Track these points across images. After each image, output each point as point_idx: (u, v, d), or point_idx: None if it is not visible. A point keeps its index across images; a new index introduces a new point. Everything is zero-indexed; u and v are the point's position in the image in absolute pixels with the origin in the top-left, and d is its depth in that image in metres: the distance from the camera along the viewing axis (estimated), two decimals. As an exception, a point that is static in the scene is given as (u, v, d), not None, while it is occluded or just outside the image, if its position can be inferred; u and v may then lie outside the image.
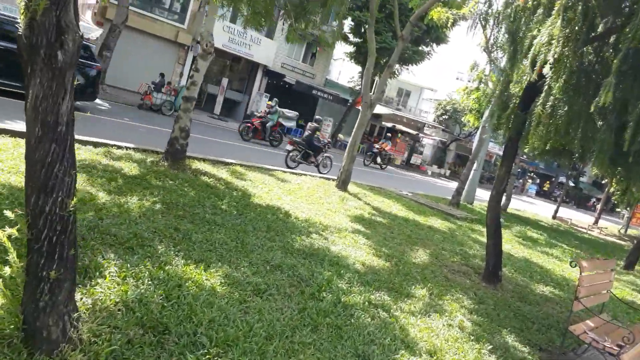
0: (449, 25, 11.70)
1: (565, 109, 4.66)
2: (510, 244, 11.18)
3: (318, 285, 4.76)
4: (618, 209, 39.53)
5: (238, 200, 7.12)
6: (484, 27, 8.48)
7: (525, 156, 51.24)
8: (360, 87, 29.83)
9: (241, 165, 10.28)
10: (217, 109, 23.27)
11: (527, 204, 31.18)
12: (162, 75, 19.35)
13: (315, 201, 9.06)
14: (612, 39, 4.83)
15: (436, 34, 26.23)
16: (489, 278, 6.99)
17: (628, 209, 25.06)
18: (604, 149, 4.37)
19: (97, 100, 14.80)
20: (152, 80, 19.18)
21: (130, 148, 8.62)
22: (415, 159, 35.30)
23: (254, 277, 4.48)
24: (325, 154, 14.47)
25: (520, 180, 52.00)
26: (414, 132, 33.45)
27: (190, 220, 5.58)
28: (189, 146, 8.80)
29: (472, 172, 16.93)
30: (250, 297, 4.07)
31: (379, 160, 26.32)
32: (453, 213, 12.62)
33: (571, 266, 3.96)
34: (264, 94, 27.33)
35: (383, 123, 34.46)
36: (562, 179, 57.48)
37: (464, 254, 8.35)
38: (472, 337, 4.78)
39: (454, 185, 29.52)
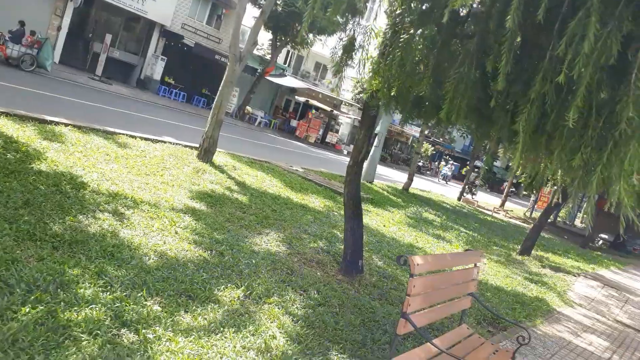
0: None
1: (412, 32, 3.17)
2: (398, 225, 9.95)
3: (32, 291, 2.97)
4: (525, 192, 40.83)
5: (5, 165, 5.10)
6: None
7: (441, 139, 51.94)
8: (270, 55, 27.86)
9: (73, 125, 8.13)
10: (99, 69, 20.35)
11: (439, 186, 31.03)
12: (21, 23, 16.27)
13: (153, 172, 7.19)
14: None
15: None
16: (346, 269, 5.54)
17: (534, 192, 25.30)
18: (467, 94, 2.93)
19: None
20: (8, 30, 16.08)
21: None
22: (331, 137, 34.01)
23: None
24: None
25: (435, 163, 52.75)
26: (329, 109, 32.02)
27: None
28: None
29: (372, 148, 15.70)
30: None
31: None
32: (340, 191, 11.19)
33: (399, 264, 2.52)
34: (160, 56, 24.59)
35: (297, 98, 32.72)
36: (478, 162, 59.24)
37: (331, 238, 6.88)
38: (272, 368, 3.24)
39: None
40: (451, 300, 3.31)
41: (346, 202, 5.47)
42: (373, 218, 9.77)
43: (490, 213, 21.21)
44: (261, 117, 28.23)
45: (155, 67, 24.73)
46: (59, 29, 21.58)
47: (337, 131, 36.00)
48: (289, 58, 35.46)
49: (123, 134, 8.99)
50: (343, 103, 35.22)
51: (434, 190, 23.31)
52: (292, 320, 3.98)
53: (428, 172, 49.05)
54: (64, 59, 22.17)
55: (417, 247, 8.43)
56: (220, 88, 9.22)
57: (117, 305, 3.22)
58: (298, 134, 30.19)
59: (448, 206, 17.75)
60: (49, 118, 7.96)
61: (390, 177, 23.23)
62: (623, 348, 6.48)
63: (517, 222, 21.80)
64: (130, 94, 20.58)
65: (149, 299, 3.50)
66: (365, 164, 15.85)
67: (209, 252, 4.85)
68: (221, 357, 3.10)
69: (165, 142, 9.81)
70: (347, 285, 5.24)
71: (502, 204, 25.32)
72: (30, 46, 16.08)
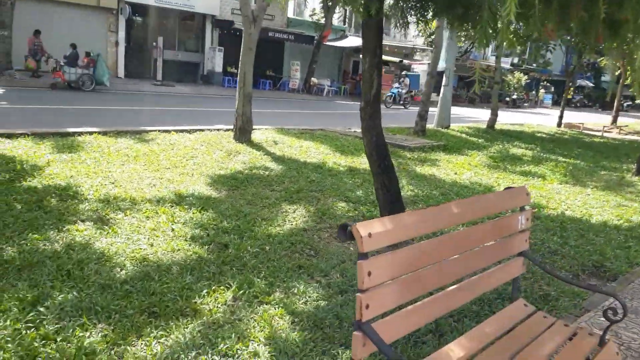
0: None
1: None
2: (475, 169, 8.47)
3: None
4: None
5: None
6: None
7: (535, 65, 47.08)
8: (324, 19, 26.51)
9: (98, 132, 7.77)
10: (159, 74, 20.53)
11: (540, 117, 27.91)
12: (73, 46, 16.66)
13: (174, 165, 6.55)
14: None
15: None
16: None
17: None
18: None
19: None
20: (63, 55, 16.57)
21: None
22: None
23: None
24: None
25: (534, 92, 48.03)
26: (398, 60, 29.94)
27: None
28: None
29: (442, 89, 14.00)
30: None
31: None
32: (406, 144, 9.91)
33: (342, 239, 1.46)
34: (217, 47, 24.34)
35: (360, 56, 30.92)
36: (581, 82, 52.95)
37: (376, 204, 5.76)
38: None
39: (458, 112, 26.46)
40: (481, 272, 2.13)
41: (368, 154, 4.32)
42: (442, 167, 8.40)
43: (599, 134, 18.36)
44: (328, 86, 27.07)
45: (215, 60, 24.55)
46: (116, 44, 22.12)
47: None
48: (346, 17, 33.64)
49: (154, 131, 8.51)
50: (415, 50, 32.89)
51: (530, 122, 20.78)
52: (293, 322, 3.02)
53: (526, 105, 44.79)
54: (128, 71, 22.79)
55: (495, 190, 6.98)
56: (240, 59, 8.33)
57: (33, 346, 2.48)
58: (371, 94, 28.64)
59: (544, 136, 15.49)
60: (71, 130, 7.64)
61: (479, 118, 21.04)
62: None
63: (636, 137, 18.67)
64: (193, 91, 20.58)
65: (91, 327, 2.74)
66: (437, 109, 14.25)
67: (207, 246, 4.03)
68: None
69: (203, 130, 9.20)
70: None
71: (614, 121, 21.93)
72: (86, 66, 16.45)
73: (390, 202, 4.33)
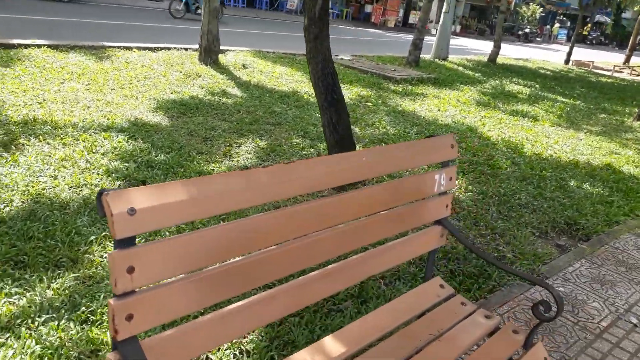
0: None
1: None
2: (462, 106, 7.79)
3: None
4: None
5: None
6: None
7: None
8: None
9: (48, 46, 7.03)
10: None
11: (550, 52, 26.56)
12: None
13: (122, 86, 5.90)
14: None
15: None
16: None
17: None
18: None
19: None
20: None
21: None
22: (414, 18, 30.21)
23: None
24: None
25: (548, 26, 45.68)
26: (406, -17, 28.00)
27: None
28: None
29: (441, 16, 12.91)
30: None
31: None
32: (392, 75, 9.13)
33: (100, 214, 0.94)
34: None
35: (367, -23, 28.93)
36: (600, 17, 50.15)
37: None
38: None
39: (464, 44, 24.99)
40: (370, 248, 1.61)
41: (314, 84, 3.68)
42: (427, 103, 7.72)
43: (608, 74, 17.32)
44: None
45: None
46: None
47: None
48: None
49: (114, 47, 7.75)
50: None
51: (537, 57, 19.62)
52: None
53: (539, 39, 42.68)
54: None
55: (478, 131, 6.37)
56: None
57: None
58: (374, 20, 27.13)
59: (548, 73, 14.55)
60: (17, 42, 6.91)
61: (485, 51, 19.83)
62: None
63: (647, 79, 17.64)
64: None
65: None
66: (434, 39, 13.24)
67: (120, 182, 3.52)
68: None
69: (170, 49, 8.42)
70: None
71: (627, 60, 20.71)
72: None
73: (338, 143, 3.76)
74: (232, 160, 4.25)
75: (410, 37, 23.34)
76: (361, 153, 1.52)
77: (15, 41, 6.92)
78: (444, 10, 12.82)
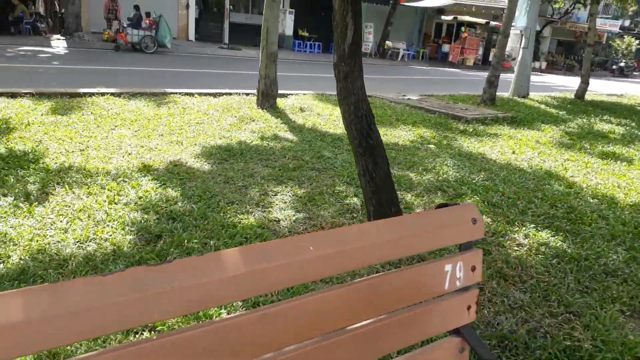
0: None
1: None
2: (541, 147, 6.91)
3: None
4: None
5: None
6: None
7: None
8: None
9: (111, 93, 7.24)
10: (225, 37, 20.01)
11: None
12: (136, 7, 16.48)
13: (171, 132, 5.80)
14: None
15: None
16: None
17: None
18: None
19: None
20: (127, 17, 16.50)
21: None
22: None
23: None
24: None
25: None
26: (483, 22, 27.12)
27: None
28: None
29: (520, 51, 12.05)
30: None
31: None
32: (463, 115, 8.45)
33: None
34: (288, 9, 23.35)
35: (443, 18, 28.43)
36: None
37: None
38: None
39: (550, 80, 23.59)
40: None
41: (346, 127, 3.21)
42: (500, 143, 6.95)
43: None
44: (403, 50, 25.22)
45: (286, 22, 23.65)
46: (187, 6, 21.91)
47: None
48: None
49: (176, 93, 7.84)
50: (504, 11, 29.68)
51: (634, 92, 17.83)
52: None
53: (636, 73, 39.50)
54: (200, 34, 22.64)
55: (559, 177, 5.52)
56: (264, 12, 7.33)
57: None
58: (451, 59, 26.44)
59: (649, 109, 13.01)
60: (83, 90, 7.15)
61: (573, 87, 18.42)
62: None
63: None
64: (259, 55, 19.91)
65: None
66: (514, 75, 12.38)
67: (134, 236, 3.21)
68: None
69: (231, 94, 8.40)
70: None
71: None
72: (149, 28, 16.27)
73: (376, 190, 3.23)
74: (264, 211, 3.84)
75: (483, 74, 22.43)
76: (306, 238, 1.00)
77: (82, 90, 7.18)
78: (522, 45, 11.98)
